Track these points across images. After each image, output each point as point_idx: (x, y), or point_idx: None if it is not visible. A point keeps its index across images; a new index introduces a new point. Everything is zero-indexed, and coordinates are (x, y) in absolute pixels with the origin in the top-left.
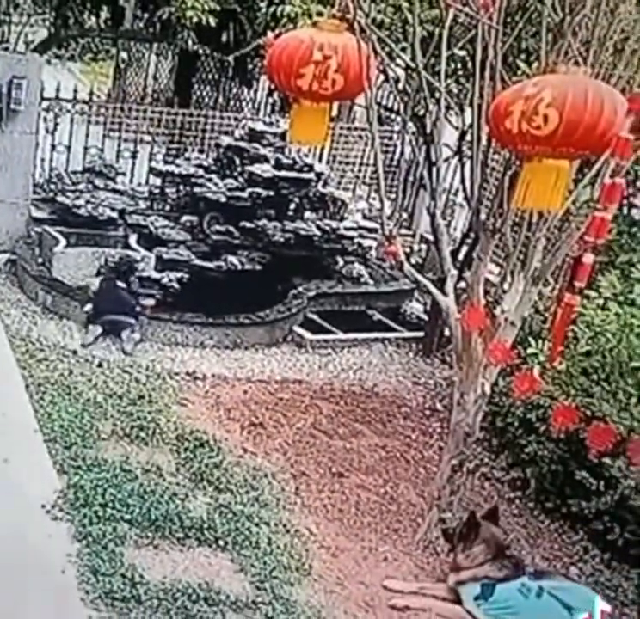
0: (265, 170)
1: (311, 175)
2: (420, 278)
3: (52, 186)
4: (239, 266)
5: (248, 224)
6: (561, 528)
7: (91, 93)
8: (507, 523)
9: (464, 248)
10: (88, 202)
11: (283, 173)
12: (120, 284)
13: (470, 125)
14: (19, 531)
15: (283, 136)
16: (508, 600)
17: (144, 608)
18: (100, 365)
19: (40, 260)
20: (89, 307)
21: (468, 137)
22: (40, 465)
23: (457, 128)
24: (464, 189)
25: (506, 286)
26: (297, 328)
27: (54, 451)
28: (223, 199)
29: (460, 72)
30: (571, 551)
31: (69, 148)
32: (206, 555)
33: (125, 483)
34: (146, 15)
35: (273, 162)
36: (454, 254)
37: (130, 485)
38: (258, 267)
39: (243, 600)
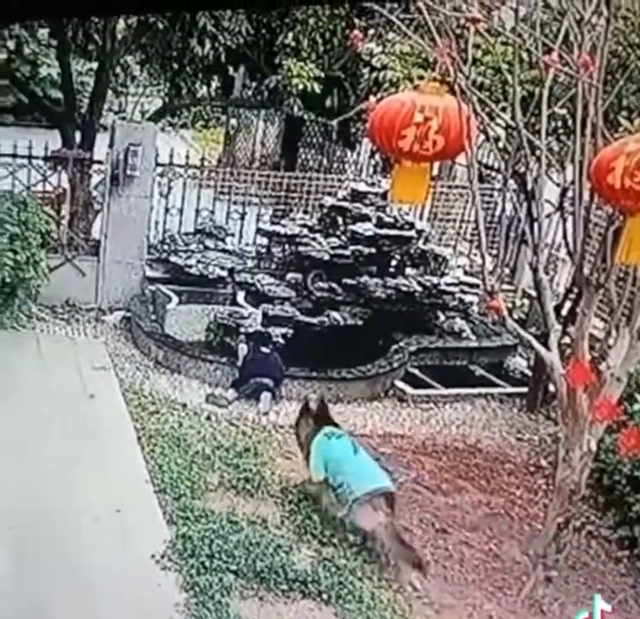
0: (367, 229)
1: (412, 233)
2: (523, 333)
3: (166, 247)
4: (341, 322)
5: (350, 281)
6: None
7: (202, 158)
8: (615, 582)
9: (568, 303)
10: (199, 262)
11: (384, 231)
12: (265, 350)
13: (572, 182)
14: (130, 580)
15: (385, 195)
16: None
17: None
18: (208, 418)
19: (153, 317)
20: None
21: (570, 194)
22: (150, 515)
23: (558, 185)
24: (567, 244)
25: (611, 341)
26: (398, 383)
27: (164, 502)
28: (326, 257)
29: (561, 130)
30: None
31: (181, 211)
32: (310, 608)
33: (231, 534)
34: (254, 84)
35: (374, 220)
36: (557, 309)
37: (236, 536)
38: (360, 323)
39: None
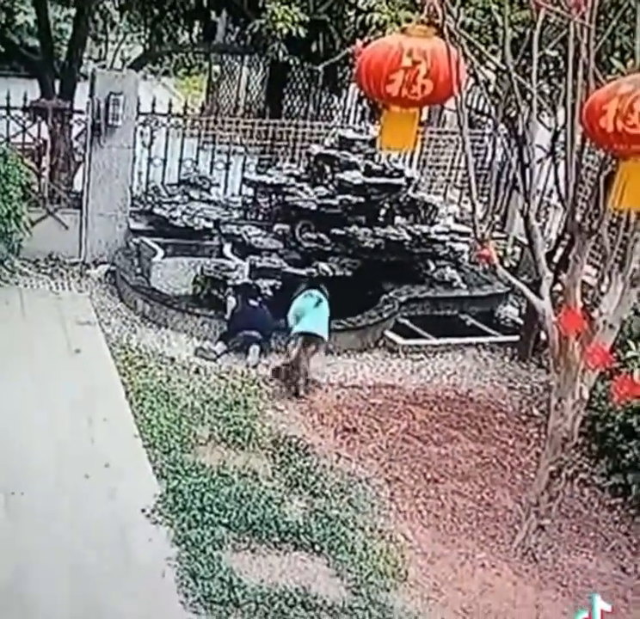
0: (355, 177)
1: (402, 181)
2: (514, 281)
3: (149, 199)
4: (330, 273)
5: (338, 231)
6: None
7: (185, 106)
8: (608, 530)
9: (560, 250)
10: (184, 213)
11: (373, 179)
12: (253, 302)
13: (564, 126)
14: (120, 535)
15: (373, 142)
16: None
17: (242, 611)
18: (197, 372)
19: (138, 271)
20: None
21: (561, 138)
22: (140, 470)
23: (550, 129)
24: (559, 190)
25: (603, 288)
26: (389, 333)
27: (153, 456)
28: (314, 207)
29: (552, 73)
30: None
31: (165, 161)
32: (302, 560)
33: (222, 487)
34: (237, 29)
35: (363, 168)
36: (549, 256)
37: (227, 489)
38: (349, 273)
39: (339, 605)
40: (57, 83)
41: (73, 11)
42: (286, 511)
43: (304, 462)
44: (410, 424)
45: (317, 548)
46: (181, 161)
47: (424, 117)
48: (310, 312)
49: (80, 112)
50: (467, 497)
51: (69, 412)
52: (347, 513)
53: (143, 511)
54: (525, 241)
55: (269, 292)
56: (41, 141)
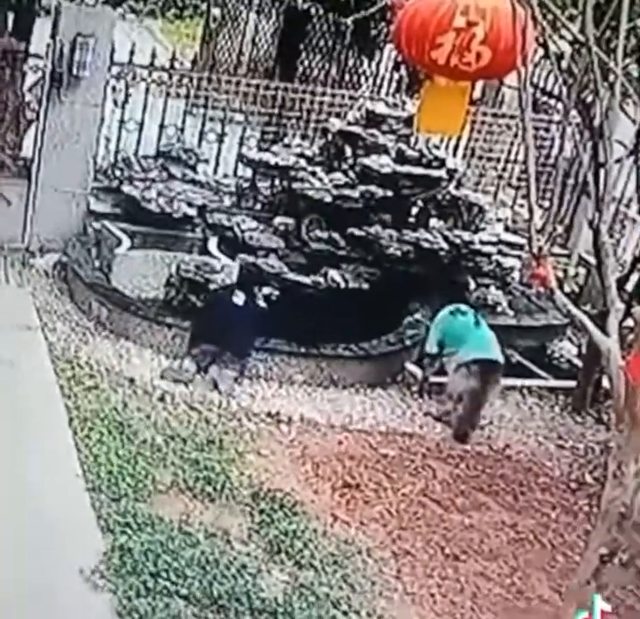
0: (383, 164)
1: (442, 173)
2: (575, 311)
3: (118, 173)
4: (342, 284)
5: (357, 232)
6: None
7: (173, 58)
8: None
9: (635, 276)
10: (160, 195)
11: (406, 168)
12: (238, 298)
13: None
14: (50, 600)
15: (409, 121)
16: None
17: None
18: (162, 399)
19: (96, 264)
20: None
21: None
22: (80, 520)
23: (634, 121)
24: None
25: None
26: (410, 366)
27: (98, 503)
28: (327, 199)
29: None
30: None
31: (141, 126)
32: None
33: (183, 549)
34: None
35: (394, 153)
36: (621, 282)
37: (189, 551)
38: (366, 286)
39: None
40: (10, 17)
41: None
42: (263, 585)
43: (290, 523)
44: (429, 484)
45: None
46: (162, 127)
47: (477, 94)
48: (474, 334)
49: (37, 56)
50: (494, 580)
51: None
52: (341, 592)
53: (81, 571)
54: (592, 260)
55: (262, 303)
56: None
